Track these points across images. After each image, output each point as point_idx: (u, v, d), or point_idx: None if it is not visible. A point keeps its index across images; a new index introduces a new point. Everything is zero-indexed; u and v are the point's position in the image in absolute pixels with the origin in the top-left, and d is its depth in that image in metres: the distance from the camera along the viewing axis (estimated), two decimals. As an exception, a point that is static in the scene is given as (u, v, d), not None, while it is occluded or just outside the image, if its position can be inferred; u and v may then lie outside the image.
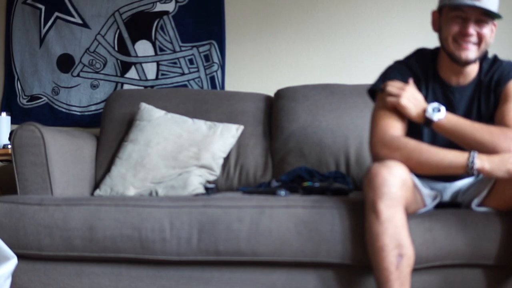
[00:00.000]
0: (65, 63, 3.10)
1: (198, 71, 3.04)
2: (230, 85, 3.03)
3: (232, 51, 3.04)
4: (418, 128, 1.84)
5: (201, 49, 3.04)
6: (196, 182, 2.41)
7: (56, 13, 3.10)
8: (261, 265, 1.83)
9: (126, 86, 3.06)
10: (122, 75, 3.07)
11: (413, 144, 1.70)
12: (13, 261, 1.70)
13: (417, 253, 1.65)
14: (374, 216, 1.60)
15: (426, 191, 1.83)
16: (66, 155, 2.27)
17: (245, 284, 1.84)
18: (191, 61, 3.05)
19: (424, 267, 1.74)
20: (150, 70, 3.06)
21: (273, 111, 2.68)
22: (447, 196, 1.92)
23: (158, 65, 3.06)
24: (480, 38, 1.77)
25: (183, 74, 3.05)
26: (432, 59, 1.89)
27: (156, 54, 3.06)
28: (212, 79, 3.03)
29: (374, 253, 1.61)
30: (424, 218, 1.76)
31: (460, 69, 1.82)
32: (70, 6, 3.10)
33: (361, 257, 1.73)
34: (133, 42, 3.07)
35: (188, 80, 3.04)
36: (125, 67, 3.07)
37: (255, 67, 3.03)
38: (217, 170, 2.51)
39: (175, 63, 3.05)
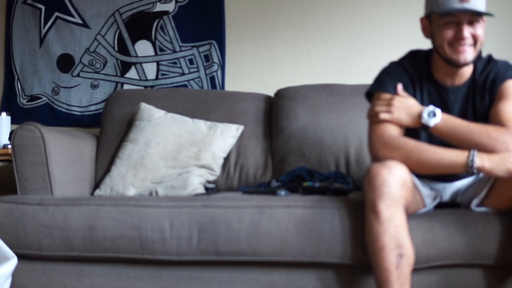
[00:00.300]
0: (65, 63, 3.10)
1: (198, 71, 3.04)
2: (230, 85, 3.03)
3: (232, 51, 3.04)
4: (415, 132, 1.83)
5: (201, 49, 3.04)
6: (196, 182, 2.41)
7: (56, 13, 3.10)
8: (261, 265, 1.83)
9: (126, 86, 3.06)
10: (122, 75, 3.07)
11: (412, 143, 1.70)
12: (13, 261, 1.70)
13: (417, 253, 1.65)
14: (374, 216, 1.60)
15: (425, 191, 1.83)
16: (66, 155, 2.27)
17: (245, 284, 1.84)
18: (191, 61, 3.05)
19: (424, 267, 1.74)
20: (150, 70, 3.06)
21: (273, 111, 2.68)
22: (446, 196, 1.92)
23: (158, 65, 3.06)
24: (475, 39, 1.76)
25: (183, 74, 3.05)
26: (425, 61, 1.89)
27: (156, 54, 3.06)
28: (212, 79, 3.03)
29: (374, 253, 1.61)
30: (424, 218, 1.76)
31: (455, 70, 1.82)
32: (70, 6, 3.10)
33: (361, 257, 1.73)
34: (133, 42, 3.07)
35: (188, 80, 3.04)
36: (125, 67, 3.07)
37: (255, 67, 3.03)
38: (217, 170, 2.51)
39: (175, 63, 3.05)
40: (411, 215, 1.73)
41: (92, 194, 2.48)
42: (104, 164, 2.57)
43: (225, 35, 3.04)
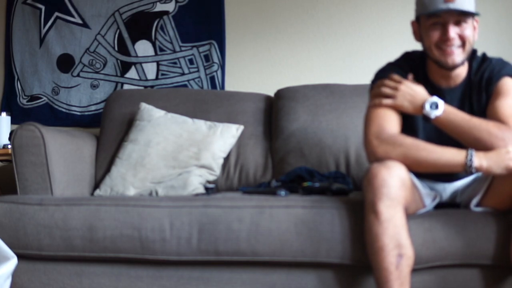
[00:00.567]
0: (65, 63, 3.10)
1: (198, 71, 3.04)
2: (230, 85, 3.03)
3: (232, 51, 3.04)
4: (413, 124, 1.84)
5: (201, 49, 3.04)
6: (196, 182, 2.41)
7: (56, 13, 3.10)
8: (261, 265, 1.83)
9: (126, 86, 3.06)
10: (122, 75, 3.07)
11: (409, 141, 1.69)
12: (13, 261, 1.70)
13: (417, 253, 1.65)
14: (374, 217, 1.60)
15: (425, 191, 1.83)
16: (66, 155, 2.27)
17: (245, 284, 1.84)
18: (191, 61, 3.05)
19: (424, 267, 1.74)
20: (150, 70, 3.06)
21: (273, 111, 2.68)
22: (446, 196, 1.92)
23: (158, 65, 3.06)
24: (463, 40, 1.75)
25: (183, 74, 3.05)
26: (421, 62, 1.88)
27: (156, 54, 3.06)
28: (212, 79, 3.03)
29: (373, 253, 1.61)
30: (424, 218, 1.76)
31: (448, 72, 1.82)
32: (70, 6, 3.10)
33: (361, 257, 1.73)
34: (133, 42, 3.07)
35: (188, 80, 3.04)
36: (125, 67, 3.07)
37: (255, 67, 3.03)
38: (217, 170, 2.51)
39: (175, 63, 3.05)
40: (411, 216, 1.73)
41: (92, 194, 2.48)
42: (104, 164, 2.57)
43: (225, 35, 3.04)
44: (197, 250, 1.81)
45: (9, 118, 2.88)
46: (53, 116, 3.08)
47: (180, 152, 2.46)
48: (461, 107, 1.81)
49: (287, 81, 2.88)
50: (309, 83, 2.74)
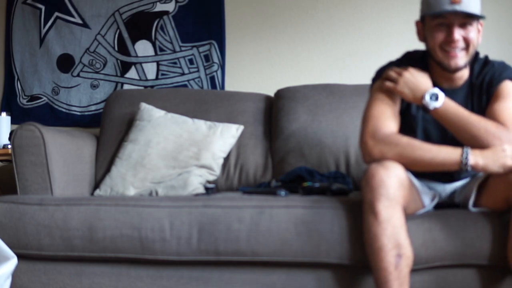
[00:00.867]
0: (65, 63, 3.10)
1: (198, 71, 3.04)
2: (230, 85, 3.03)
3: (232, 51, 3.04)
4: (412, 124, 1.84)
5: (201, 49, 3.04)
6: (196, 182, 2.41)
7: (56, 13, 3.10)
8: (261, 265, 1.83)
9: (126, 86, 3.06)
10: (122, 75, 3.07)
11: (405, 141, 1.69)
12: (13, 261, 1.70)
13: (416, 253, 1.65)
14: (373, 217, 1.60)
15: (423, 190, 1.83)
16: (66, 155, 2.27)
17: (245, 284, 1.84)
18: (191, 61, 3.05)
19: (423, 267, 1.74)
20: (150, 70, 3.06)
21: (273, 111, 2.68)
22: (445, 196, 1.92)
23: (158, 65, 3.06)
24: (467, 43, 1.75)
25: (183, 74, 3.05)
26: (422, 62, 1.88)
27: (156, 54, 3.06)
28: (212, 79, 3.03)
29: (373, 254, 1.61)
30: (423, 219, 1.76)
31: (450, 75, 1.82)
32: (70, 6, 3.10)
33: (361, 257, 1.73)
34: (133, 42, 3.07)
35: (188, 80, 3.04)
36: (125, 67, 3.07)
37: (255, 67, 3.03)
38: (217, 170, 2.51)
39: (175, 63, 3.06)
40: (411, 216, 1.73)
41: (92, 194, 2.48)
42: (104, 164, 2.57)
43: (225, 35, 3.04)
44: (197, 250, 1.81)
45: (9, 118, 2.88)
46: (53, 116, 3.08)
47: (180, 152, 2.46)
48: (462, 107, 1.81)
49: (287, 81, 2.88)
50: (309, 83, 2.74)
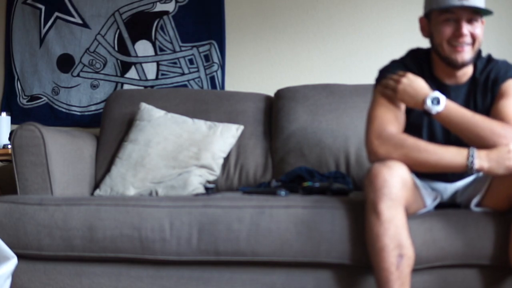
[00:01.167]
0: (65, 63, 3.10)
1: (198, 71, 3.04)
2: (230, 85, 3.03)
3: (232, 51, 3.04)
4: (417, 122, 1.84)
5: (201, 49, 3.04)
6: (196, 182, 2.41)
7: (56, 13, 3.10)
8: (261, 265, 1.83)
9: (126, 86, 3.06)
10: (122, 75, 3.07)
11: (410, 142, 1.69)
12: (13, 261, 1.70)
13: (417, 253, 1.65)
14: (375, 217, 1.60)
15: (426, 191, 1.83)
16: (66, 155, 2.27)
17: (245, 284, 1.84)
18: (191, 61, 3.05)
19: (424, 267, 1.74)
20: (150, 70, 3.06)
21: (273, 111, 2.68)
22: (446, 196, 1.92)
23: (158, 65, 3.06)
24: (474, 38, 1.76)
25: (183, 74, 3.05)
26: (426, 59, 1.89)
27: (156, 54, 3.06)
28: (212, 79, 3.03)
29: (374, 254, 1.61)
30: (424, 218, 1.76)
31: (454, 71, 1.82)
32: (70, 6, 3.10)
33: (361, 257, 1.73)
34: (133, 42, 3.07)
35: (188, 80, 3.04)
36: (125, 67, 3.07)
37: (255, 67, 3.03)
38: (217, 170, 2.51)
39: (175, 63, 3.05)
40: (412, 216, 1.73)
41: (92, 194, 2.48)
42: (104, 164, 2.57)
43: (225, 35, 3.04)
44: (197, 250, 1.81)
45: (9, 118, 2.88)
46: (53, 116, 3.08)
47: (180, 152, 2.46)
48: (466, 105, 1.82)
49: (287, 81, 2.88)
50: (309, 83, 2.74)
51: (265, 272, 1.83)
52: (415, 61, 1.88)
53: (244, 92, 2.78)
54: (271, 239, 1.78)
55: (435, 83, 1.85)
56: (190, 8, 3.05)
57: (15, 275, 1.81)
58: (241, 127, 2.57)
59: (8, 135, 2.80)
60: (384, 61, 1.94)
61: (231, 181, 2.55)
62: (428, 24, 1.84)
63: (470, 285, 1.78)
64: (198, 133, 2.51)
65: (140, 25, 3.07)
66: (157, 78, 3.06)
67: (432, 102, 1.71)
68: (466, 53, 1.76)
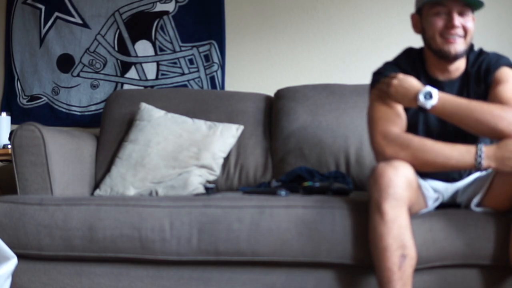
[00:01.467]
0: (65, 63, 3.10)
1: (198, 71, 3.04)
2: (230, 85, 3.03)
3: (232, 51, 3.04)
4: (413, 117, 1.84)
5: (201, 49, 3.04)
6: (196, 182, 2.41)
7: (56, 13, 3.10)
8: (261, 265, 1.82)
9: (126, 86, 3.06)
10: (122, 75, 3.07)
11: (416, 142, 1.69)
12: (13, 261, 1.70)
13: (417, 253, 1.65)
14: (379, 216, 1.60)
15: (428, 192, 1.83)
16: (66, 155, 2.27)
17: (245, 284, 1.84)
18: (191, 61, 3.05)
19: (424, 267, 1.74)
20: (150, 70, 3.06)
21: (273, 111, 2.68)
22: (447, 196, 1.92)
23: (158, 65, 3.06)
24: (465, 31, 1.78)
25: (183, 74, 3.05)
26: (419, 57, 1.90)
27: (156, 54, 3.06)
28: (212, 79, 3.03)
29: (377, 253, 1.61)
30: (424, 218, 1.76)
31: (447, 65, 1.83)
32: (70, 6, 3.10)
33: (362, 257, 1.73)
34: (133, 42, 3.07)
35: (188, 80, 3.04)
36: (125, 67, 3.07)
37: (255, 67, 3.03)
38: (217, 170, 2.51)
39: (175, 63, 3.05)
40: (412, 216, 1.73)
41: (92, 194, 2.48)
42: (104, 164, 2.57)
43: (225, 35, 3.04)
44: (197, 250, 1.81)
45: (9, 118, 2.88)
46: (53, 116, 3.08)
47: (180, 152, 2.46)
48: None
49: (287, 81, 2.88)
50: (309, 83, 2.74)
51: (265, 272, 1.83)
52: (408, 60, 1.90)
53: (244, 92, 2.78)
54: (271, 239, 1.78)
55: (429, 80, 1.86)
56: (190, 8, 3.05)
57: (15, 275, 1.81)
58: (241, 127, 2.57)
59: (8, 135, 2.80)
60: (385, 61, 1.95)
61: (231, 181, 2.55)
62: (419, 20, 1.86)
63: (470, 285, 1.78)
64: (198, 133, 2.51)
65: (140, 25, 3.07)
66: (157, 78, 3.06)
67: (425, 97, 1.71)
68: (459, 45, 1.78)
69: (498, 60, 1.83)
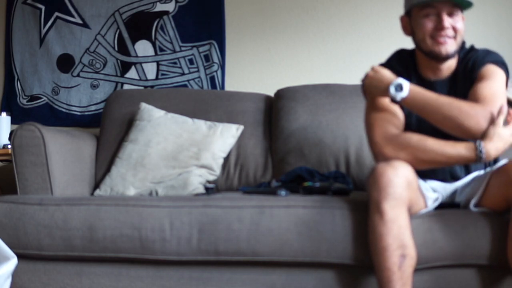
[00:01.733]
0: (65, 63, 3.10)
1: (198, 71, 3.04)
2: (230, 85, 3.03)
3: (232, 51, 3.04)
4: (408, 116, 1.85)
5: (201, 49, 3.04)
6: (196, 182, 2.41)
7: (56, 13, 3.10)
8: (261, 265, 1.82)
9: (126, 86, 3.06)
10: (122, 75, 3.07)
11: (415, 141, 1.69)
12: (13, 261, 1.70)
13: (417, 253, 1.65)
14: (379, 216, 1.60)
15: (428, 192, 1.83)
16: (66, 155, 2.27)
17: (245, 284, 1.84)
18: (191, 61, 3.05)
19: (424, 267, 1.74)
20: (150, 70, 3.06)
21: (273, 111, 2.68)
22: (446, 196, 1.92)
23: (158, 65, 3.06)
24: (455, 31, 1.79)
25: (183, 74, 3.05)
26: (411, 58, 1.92)
27: (156, 54, 3.06)
28: (212, 79, 3.03)
29: (377, 253, 1.61)
30: (423, 218, 1.76)
31: (438, 65, 1.84)
32: (70, 6, 3.10)
33: (362, 257, 1.73)
34: (133, 42, 3.07)
35: (188, 80, 3.04)
36: (125, 67, 3.07)
37: (255, 67, 3.03)
38: (217, 170, 2.51)
39: (175, 63, 3.06)
40: (412, 216, 1.73)
41: (92, 194, 2.48)
42: (104, 164, 2.57)
43: (225, 35, 3.04)
44: (197, 250, 1.81)
45: (9, 118, 2.88)
46: (53, 116, 3.08)
47: (180, 152, 2.46)
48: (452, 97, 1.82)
49: (287, 81, 2.88)
50: (309, 83, 2.74)
51: (265, 272, 1.83)
52: (400, 61, 1.91)
53: (244, 92, 2.78)
54: (271, 239, 1.78)
55: (421, 81, 1.87)
56: (190, 8, 3.05)
57: (15, 275, 1.81)
58: (241, 127, 2.57)
59: (8, 135, 2.80)
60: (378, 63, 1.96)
61: (231, 181, 2.55)
62: (409, 22, 1.87)
63: (469, 285, 1.78)
64: (198, 133, 2.51)
65: (140, 25, 3.07)
66: (157, 78, 3.06)
67: (396, 89, 1.73)
68: (449, 46, 1.79)
69: (485, 57, 1.83)
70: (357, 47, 2.97)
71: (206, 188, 2.27)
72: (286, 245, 1.77)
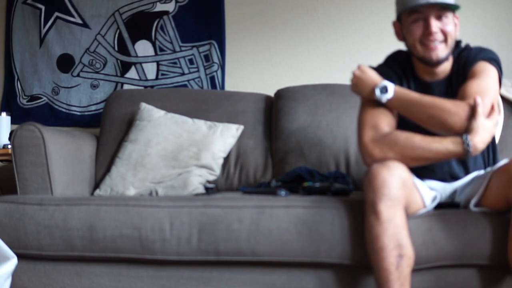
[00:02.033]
0: (65, 63, 3.10)
1: (198, 71, 3.04)
2: (230, 85, 3.03)
3: (232, 51, 3.04)
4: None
5: (201, 49, 3.04)
6: (196, 182, 2.41)
7: (56, 13, 3.11)
8: (261, 265, 1.83)
9: (126, 86, 3.06)
10: (122, 75, 3.07)
11: (403, 138, 1.70)
12: (13, 261, 1.71)
13: (417, 253, 1.65)
14: (374, 217, 1.60)
15: (425, 191, 1.83)
16: (66, 155, 2.27)
17: (245, 284, 1.84)
18: (191, 61, 3.05)
19: (424, 267, 1.74)
20: (150, 70, 3.06)
21: (273, 111, 2.68)
22: (445, 196, 1.92)
23: (158, 65, 3.06)
24: (445, 35, 1.78)
25: (183, 74, 3.05)
26: (408, 60, 1.91)
27: (156, 54, 3.06)
28: (212, 79, 3.03)
29: (374, 254, 1.61)
30: (423, 219, 1.76)
31: (433, 69, 1.84)
32: (70, 6, 3.10)
33: (361, 257, 1.73)
34: (133, 42, 3.07)
35: (188, 80, 3.04)
36: (125, 67, 3.08)
37: (255, 67, 3.03)
38: (217, 170, 2.51)
39: (175, 63, 3.06)
40: (411, 216, 1.73)
41: (92, 194, 2.48)
42: (104, 164, 2.57)
43: (225, 35, 3.04)
44: (197, 250, 1.81)
45: (9, 118, 2.88)
46: (53, 116, 3.08)
47: (180, 152, 2.46)
48: (448, 97, 1.82)
49: (287, 81, 2.88)
50: (309, 83, 2.74)
51: (265, 272, 1.83)
52: (397, 63, 1.91)
53: (244, 92, 2.78)
54: (271, 239, 1.78)
55: (418, 83, 1.88)
56: (190, 8, 3.05)
57: (15, 275, 1.81)
58: (241, 127, 2.57)
59: (8, 135, 2.80)
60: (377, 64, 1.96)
61: (231, 181, 2.55)
62: (401, 28, 1.86)
63: (469, 285, 1.78)
64: (198, 133, 2.51)
65: (140, 25, 3.07)
66: (157, 78, 3.06)
67: (381, 91, 1.74)
68: (440, 51, 1.78)
69: (477, 55, 1.83)
70: (357, 47, 2.97)
71: (206, 188, 2.27)
72: (286, 245, 1.77)
